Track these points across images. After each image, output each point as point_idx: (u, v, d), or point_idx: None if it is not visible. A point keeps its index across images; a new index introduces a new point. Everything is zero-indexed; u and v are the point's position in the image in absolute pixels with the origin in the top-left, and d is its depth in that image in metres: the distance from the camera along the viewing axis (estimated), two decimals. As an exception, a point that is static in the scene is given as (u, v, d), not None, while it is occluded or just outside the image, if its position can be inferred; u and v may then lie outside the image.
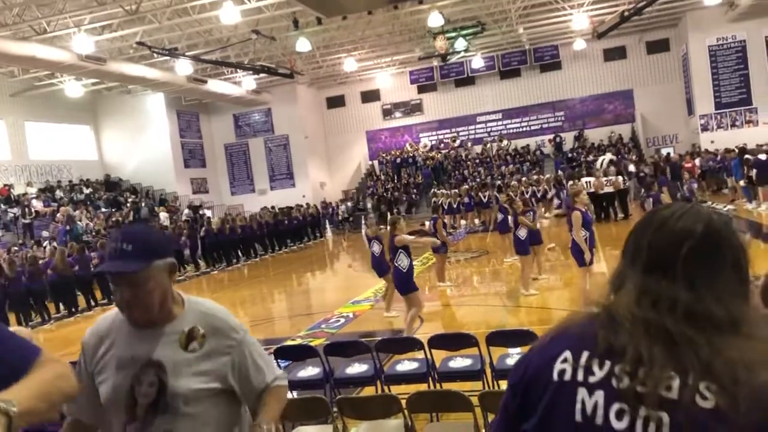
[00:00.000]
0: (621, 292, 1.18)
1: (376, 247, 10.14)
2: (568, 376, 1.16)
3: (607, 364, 1.12)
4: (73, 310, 14.62)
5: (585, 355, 1.15)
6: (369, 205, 28.87)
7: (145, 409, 2.03)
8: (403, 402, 4.16)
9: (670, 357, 1.07)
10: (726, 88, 26.65)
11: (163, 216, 26.08)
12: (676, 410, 1.03)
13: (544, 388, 1.19)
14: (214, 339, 2.10)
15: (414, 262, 8.47)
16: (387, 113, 33.05)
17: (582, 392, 1.13)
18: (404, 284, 8.10)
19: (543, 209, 22.45)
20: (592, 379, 1.13)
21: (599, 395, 1.11)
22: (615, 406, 1.09)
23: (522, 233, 10.57)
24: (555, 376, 1.18)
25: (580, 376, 1.14)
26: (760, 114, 26.37)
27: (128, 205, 26.67)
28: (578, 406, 1.13)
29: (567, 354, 1.18)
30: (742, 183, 18.83)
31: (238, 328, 2.17)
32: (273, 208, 27.36)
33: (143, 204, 26.95)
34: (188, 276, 19.67)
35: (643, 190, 20.94)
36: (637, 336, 1.10)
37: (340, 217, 29.72)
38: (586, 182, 20.07)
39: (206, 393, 2.06)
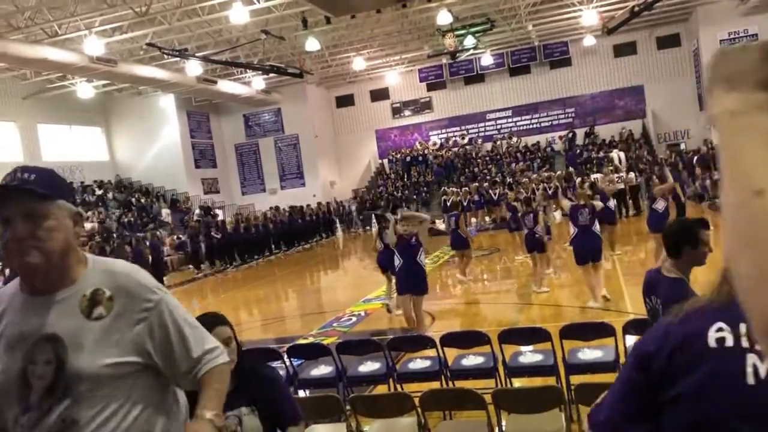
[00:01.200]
0: None
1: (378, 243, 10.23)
2: (730, 342, 1.12)
3: None
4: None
5: (743, 326, 1.11)
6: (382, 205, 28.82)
7: (41, 395, 1.65)
8: (416, 400, 4.17)
9: None
10: (738, 82, 26.38)
11: (165, 213, 26.26)
12: None
13: (699, 354, 1.14)
14: (125, 302, 1.72)
15: (425, 261, 8.48)
16: (396, 112, 33.03)
17: (752, 357, 1.09)
18: (424, 282, 8.07)
19: (554, 206, 22.38)
20: (758, 348, 1.08)
21: None
22: None
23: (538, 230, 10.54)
24: (713, 343, 1.13)
25: (745, 343, 1.10)
26: (773, 108, 26.12)
27: (142, 203, 26.86)
28: (750, 369, 1.09)
29: (721, 324, 1.14)
30: None
31: (154, 288, 1.79)
32: (278, 209, 27.39)
33: (154, 204, 27.15)
34: (202, 275, 19.78)
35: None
36: None
37: (352, 216, 29.73)
38: (594, 178, 20.01)
39: (119, 371, 1.69)
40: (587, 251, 8.95)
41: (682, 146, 28.27)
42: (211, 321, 2.50)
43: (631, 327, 5.20)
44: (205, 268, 20.90)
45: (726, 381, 1.11)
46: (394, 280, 9.18)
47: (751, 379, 1.09)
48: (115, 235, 21.63)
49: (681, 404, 1.14)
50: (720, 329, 1.13)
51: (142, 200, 27.64)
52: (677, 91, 28.52)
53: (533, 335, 5.53)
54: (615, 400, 1.27)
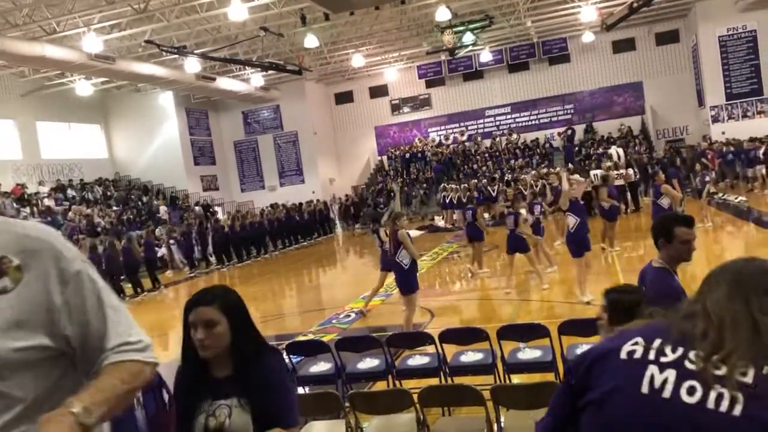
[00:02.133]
0: (709, 294, 1.27)
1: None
2: (638, 355, 1.25)
3: (680, 349, 1.21)
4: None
5: (657, 341, 1.25)
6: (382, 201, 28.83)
7: None
8: (415, 396, 4.18)
9: (751, 346, 1.16)
10: (737, 78, 26.43)
11: (163, 210, 26.24)
12: (750, 392, 1.13)
13: (610, 365, 1.28)
14: (37, 272, 1.42)
15: (424, 258, 8.47)
16: (395, 108, 33.02)
17: (652, 368, 1.22)
18: (406, 282, 7.81)
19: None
20: (663, 360, 1.22)
21: (670, 373, 1.20)
22: (687, 383, 1.18)
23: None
24: (623, 355, 1.27)
25: (651, 356, 1.24)
26: (772, 104, 26.17)
27: (140, 203, 26.86)
28: (646, 380, 1.21)
29: (638, 339, 1.28)
30: None
31: (74, 257, 1.50)
32: (275, 206, 27.39)
33: (155, 201, 27.17)
34: (199, 273, 19.78)
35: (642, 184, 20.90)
36: (723, 326, 1.19)
37: (352, 212, 29.69)
38: (594, 175, 19.99)
39: (28, 357, 1.39)
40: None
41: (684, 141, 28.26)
42: (193, 301, 2.34)
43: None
44: (201, 266, 20.90)
45: (626, 390, 1.23)
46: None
47: (645, 389, 1.21)
48: (101, 232, 21.58)
49: (590, 410, 1.27)
50: (635, 343, 1.27)
51: (142, 198, 27.64)
52: (676, 87, 28.52)
53: (532, 331, 5.53)
54: (554, 405, 1.44)
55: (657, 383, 1.20)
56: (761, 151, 20.84)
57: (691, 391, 1.16)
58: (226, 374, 2.32)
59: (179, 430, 2.36)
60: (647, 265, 3.66)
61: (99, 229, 22.18)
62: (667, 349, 1.23)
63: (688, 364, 1.19)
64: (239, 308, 2.39)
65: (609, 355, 1.30)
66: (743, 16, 25.68)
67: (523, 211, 10.63)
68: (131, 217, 24.95)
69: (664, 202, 11.27)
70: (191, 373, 2.38)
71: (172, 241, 21.25)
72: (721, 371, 1.15)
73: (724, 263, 1.33)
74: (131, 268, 16.48)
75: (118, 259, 16.29)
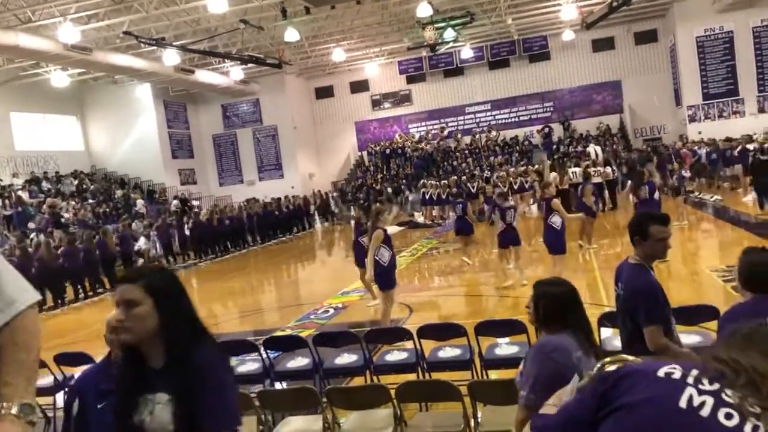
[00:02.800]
0: (742, 353, 1.33)
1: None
2: (676, 376, 1.33)
3: (717, 384, 1.28)
4: (59, 301, 14.58)
5: (695, 371, 1.32)
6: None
7: None
8: (393, 392, 4.17)
9: None
10: (713, 79, 26.77)
11: (140, 203, 25.95)
12: None
13: (644, 380, 1.35)
14: None
15: (403, 254, 8.46)
16: (376, 104, 32.96)
17: (690, 390, 1.29)
18: (383, 278, 7.81)
19: (531, 199, 22.56)
20: (701, 387, 1.29)
21: (708, 398, 1.27)
22: (724, 410, 1.24)
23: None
24: (661, 374, 1.34)
25: (690, 380, 1.31)
26: (747, 105, 26.54)
27: (117, 197, 26.52)
28: (684, 397, 1.28)
29: (676, 366, 1.35)
30: None
31: None
32: (254, 201, 27.25)
33: (131, 195, 26.84)
34: (177, 267, 19.60)
35: (630, 182, 21.05)
36: (761, 380, 1.26)
37: (332, 208, 29.59)
38: (572, 173, 20.16)
39: None
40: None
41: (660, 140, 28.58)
42: (119, 278, 2.17)
43: (605, 319, 5.25)
44: (178, 260, 20.73)
45: (663, 402, 1.30)
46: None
47: (683, 404, 1.28)
48: (73, 227, 21.28)
49: (618, 415, 1.34)
50: (673, 367, 1.35)
51: (118, 191, 27.30)
52: (654, 86, 28.81)
53: (509, 327, 5.55)
54: (571, 408, 1.52)
55: (695, 403, 1.26)
56: (737, 151, 21.14)
57: (728, 416, 1.22)
58: (159, 366, 2.08)
59: (116, 428, 2.14)
60: (623, 262, 3.71)
61: (63, 221, 21.84)
62: (705, 380, 1.30)
63: (725, 397, 1.26)
64: (169, 289, 2.11)
65: (642, 372, 1.38)
66: (721, 17, 26.00)
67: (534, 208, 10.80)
68: (107, 210, 24.64)
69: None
70: (127, 363, 2.14)
71: (152, 234, 21.06)
72: (757, 410, 1.22)
73: (750, 326, 1.39)
74: (107, 262, 16.30)
75: (94, 252, 16.10)
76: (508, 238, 10.66)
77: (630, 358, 2.66)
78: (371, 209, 8.75)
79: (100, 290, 15.87)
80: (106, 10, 18.85)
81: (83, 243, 16.34)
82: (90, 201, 25.33)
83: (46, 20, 18.80)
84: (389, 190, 28.52)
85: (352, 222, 12.05)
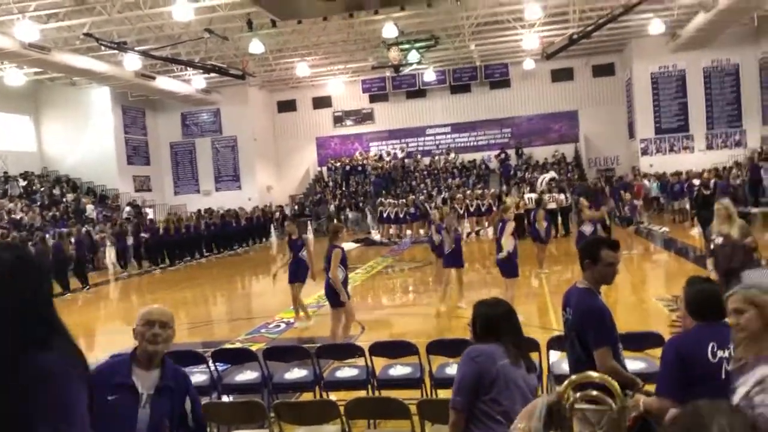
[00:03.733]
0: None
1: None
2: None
3: None
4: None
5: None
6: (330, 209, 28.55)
7: None
8: (342, 408, 4.17)
9: None
10: (666, 114, 27.67)
11: (90, 208, 25.37)
12: None
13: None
14: None
15: (358, 271, 8.47)
16: (338, 120, 33.03)
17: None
18: (336, 296, 7.76)
19: (486, 223, 22.85)
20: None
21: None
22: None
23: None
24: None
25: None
26: (696, 141, 27.48)
27: (66, 199, 25.87)
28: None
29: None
30: None
31: None
32: (212, 211, 26.93)
33: (82, 199, 26.21)
34: (129, 275, 19.20)
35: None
36: None
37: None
38: (527, 198, 20.51)
39: None
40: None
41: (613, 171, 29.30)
42: None
43: (554, 343, 5.34)
44: (131, 267, 20.33)
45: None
46: None
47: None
48: (27, 231, 20.74)
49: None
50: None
51: (69, 195, 26.64)
52: (610, 118, 29.62)
53: (460, 347, 5.58)
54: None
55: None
56: (685, 185, 21.83)
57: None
58: None
59: None
60: (572, 287, 3.80)
61: (23, 224, 21.27)
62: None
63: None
64: (4, 270, 1.67)
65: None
66: (675, 56, 26.94)
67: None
68: (57, 214, 24.01)
69: (587, 229, 11.62)
70: None
71: (108, 242, 20.65)
72: None
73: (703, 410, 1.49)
74: (60, 267, 15.89)
75: (48, 256, 15.69)
76: (451, 260, 10.69)
77: (595, 375, 2.76)
78: (327, 226, 8.72)
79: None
80: (68, 10, 18.51)
81: (35, 245, 15.91)
82: (39, 203, 24.64)
83: (3, 17, 18.34)
84: (348, 212, 28.39)
85: (285, 238, 11.64)
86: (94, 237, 20.78)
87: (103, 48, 20.66)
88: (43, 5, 18.14)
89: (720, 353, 2.86)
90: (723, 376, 2.71)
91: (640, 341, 5.20)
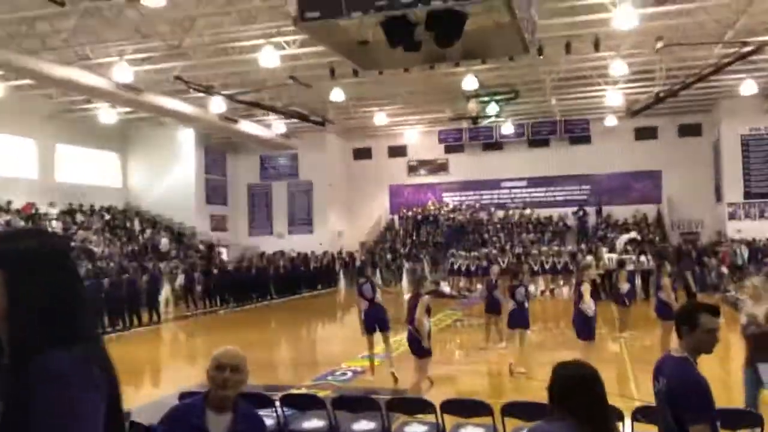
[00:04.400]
0: None
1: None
2: None
3: None
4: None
5: None
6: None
7: None
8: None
9: None
10: (756, 177, 26.39)
11: (164, 242, 26.01)
12: None
13: None
14: None
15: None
16: (412, 170, 33.13)
17: None
18: (423, 347, 7.88)
19: (561, 281, 22.12)
20: None
21: None
22: None
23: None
24: None
25: None
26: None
27: (144, 235, 26.71)
28: None
29: None
30: None
31: None
32: (283, 253, 27.18)
33: (156, 235, 27.00)
34: (197, 313, 19.43)
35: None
36: None
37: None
38: (608, 258, 19.76)
39: None
40: None
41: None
42: None
43: (640, 414, 4.93)
44: (199, 305, 20.59)
45: None
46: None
47: None
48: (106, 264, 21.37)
49: None
50: None
51: (147, 231, 27.52)
52: (695, 180, 28.46)
53: (539, 411, 5.20)
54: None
55: None
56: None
57: None
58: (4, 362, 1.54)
59: None
60: (665, 355, 3.51)
61: (95, 255, 21.97)
62: None
63: None
64: (29, 260, 1.51)
65: None
66: (766, 117, 25.83)
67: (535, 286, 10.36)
68: (136, 248, 24.78)
69: (663, 295, 10.84)
70: None
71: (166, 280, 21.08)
72: None
73: None
74: (132, 300, 16.29)
75: (121, 288, 16.13)
76: (516, 320, 10.22)
77: None
78: (413, 276, 8.88)
79: (119, 327, 15.74)
80: (161, 54, 19.38)
81: (109, 277, 16.36)
82: (122, 238, 25.52)
83: (103, 59, 19.37)
84: (405, 262, 28.06)
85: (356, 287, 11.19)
86: (162, 272, 21.19)
87: (191, 91, 21.50)
88: (138, 49, 19.07)
89: None
90: None
91: (737, 419, 4.72)
